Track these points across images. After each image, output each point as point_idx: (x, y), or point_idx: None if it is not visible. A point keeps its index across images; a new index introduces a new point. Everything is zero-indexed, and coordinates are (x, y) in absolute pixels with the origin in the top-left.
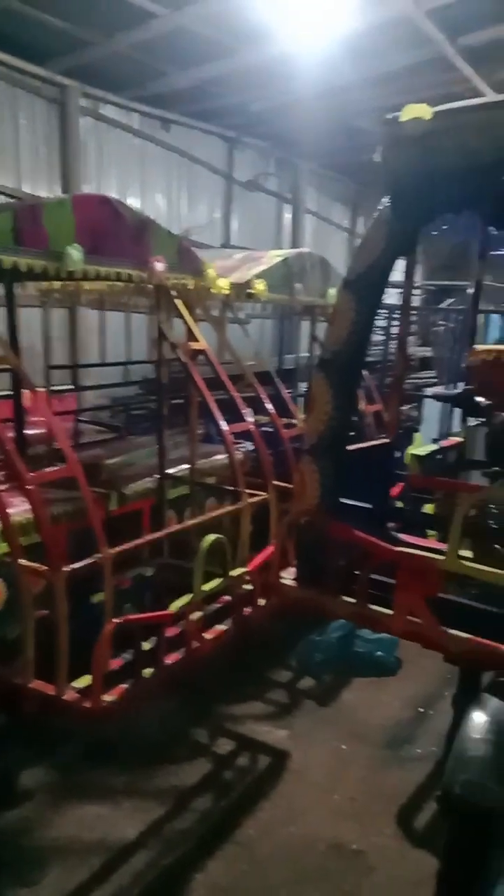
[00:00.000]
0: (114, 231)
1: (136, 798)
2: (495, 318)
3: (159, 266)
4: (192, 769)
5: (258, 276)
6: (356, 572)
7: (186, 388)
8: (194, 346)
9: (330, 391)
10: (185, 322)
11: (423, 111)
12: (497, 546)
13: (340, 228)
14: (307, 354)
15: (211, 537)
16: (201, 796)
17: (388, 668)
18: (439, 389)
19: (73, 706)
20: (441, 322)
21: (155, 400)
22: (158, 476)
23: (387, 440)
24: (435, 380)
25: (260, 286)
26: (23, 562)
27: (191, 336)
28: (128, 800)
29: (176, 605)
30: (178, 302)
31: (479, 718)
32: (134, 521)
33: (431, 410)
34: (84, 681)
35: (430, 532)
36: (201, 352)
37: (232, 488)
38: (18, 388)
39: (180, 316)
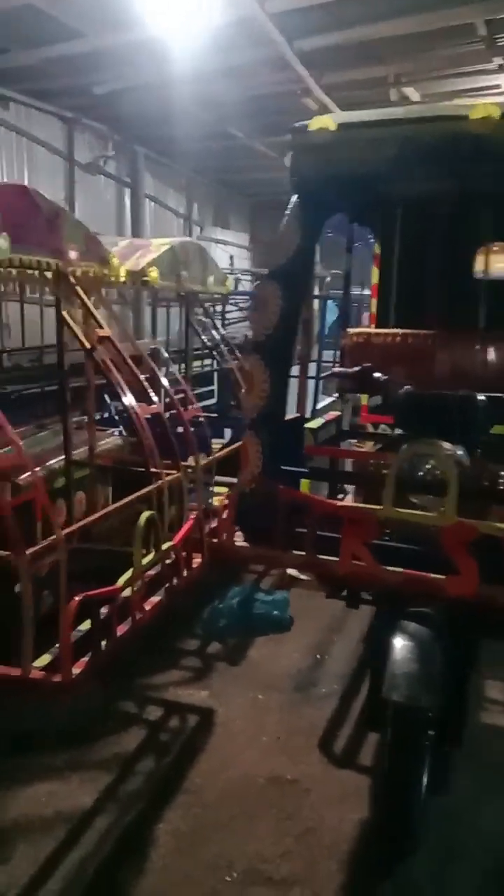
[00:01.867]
0: (32, 220)
1: (81, 771)
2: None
3: (73, 255)
4: (129, 737)
5: (150, 263)
6: (301, 529)
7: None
8: (100, 332)
9: (265, 371)
10: (88, 310)
11: (329, 122)
12: (411, 496)
13: (177, 214)
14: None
15: (146, 514)
16: (143, 759)
17: (283, 626)
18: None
19: (41, 683)
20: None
21: (29, 388)
22: (59, 462)
23: (298, 415)
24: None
25: (154, 274)
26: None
27: (94, 323)
28: (74, 773)
29: (122, 580)
30: (79, 290)
31: (404, 641)
32: (27, 510)
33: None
34: (44, 659)
35: None
36: (106, 338)
37: (142, 469)
38: None
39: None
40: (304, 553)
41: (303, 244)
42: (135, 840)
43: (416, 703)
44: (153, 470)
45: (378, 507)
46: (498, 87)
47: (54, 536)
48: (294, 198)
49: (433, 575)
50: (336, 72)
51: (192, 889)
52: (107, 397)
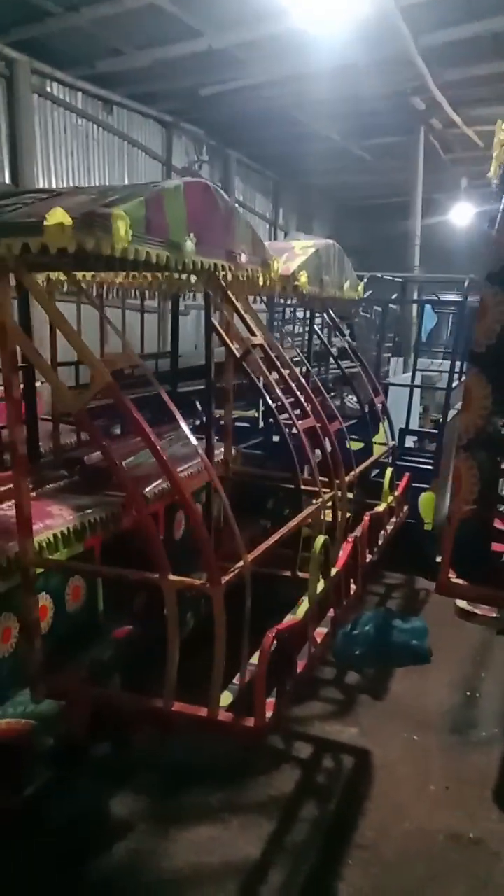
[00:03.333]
0: (212, 220)
1: (239, 814)
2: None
3: (244, 258)
4: (282, 777)
5: (300, 267)
6: None
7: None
8: (254, 340)
9: (487, 385)
10: (242, 317)
11: None
12: None
13: (264, 219)
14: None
15: (321, 538)
16: (303, 804)
17: (422, 656)
18: None
19: (231, 727)
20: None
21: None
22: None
23: None
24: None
25: (304, 278)
26: (174, 577)
27: (248, 330)
28: (232, 817)
29: (301, 611)
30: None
31: None
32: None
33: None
34: (227, 698)
35: None
36: (259, 345)
37: (292, 486)
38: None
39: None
40: None
41: None
42: None
43: None
44: (306, 488)
45: None
46: None
47: (241, 563)
48: None
49: None
50: (456, 68)
51: None
52: (198, 404)
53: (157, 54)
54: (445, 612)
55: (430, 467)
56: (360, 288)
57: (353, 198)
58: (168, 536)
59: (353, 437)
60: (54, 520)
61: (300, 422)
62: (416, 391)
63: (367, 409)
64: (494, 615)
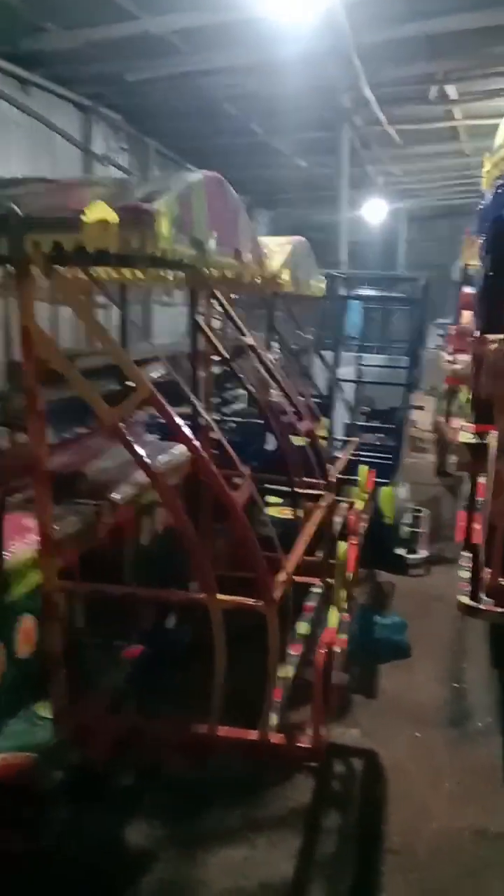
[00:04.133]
0: (226, 216)
1: (264, 831)
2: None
3: (249, 256)
4: (296, 787)
5: (283, 265)
6: None
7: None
8: (246, 340)
9: None
10: (231, 316)
11: None
12: None
13: None
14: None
15: (343, 545)
16: (325, 813)
17: (403, 651)
18: None
19: (286, 750)
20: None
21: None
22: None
23: None
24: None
25: (286, 276)
26: (223, 597)
27: (238, 329)
28: (258, 835)
29: (333, 621)
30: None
31: None
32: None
33: None
34: (271, 719)
35: None
36: (251, 346)
37: (289, 489)
38: None
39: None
40: None
41: None
42: None
43: None
44: (299, 491)
45: None
46: None
47: (283, 576)
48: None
49: None
50: (388, 67)
51: None
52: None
53: (88, 35)
54: (411, 605)
55: (389, 462)
56: (323, 285)
57: (260, 191)
58: (137, 543)
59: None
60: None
61: (300, 424)
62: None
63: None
64: (500, 610)
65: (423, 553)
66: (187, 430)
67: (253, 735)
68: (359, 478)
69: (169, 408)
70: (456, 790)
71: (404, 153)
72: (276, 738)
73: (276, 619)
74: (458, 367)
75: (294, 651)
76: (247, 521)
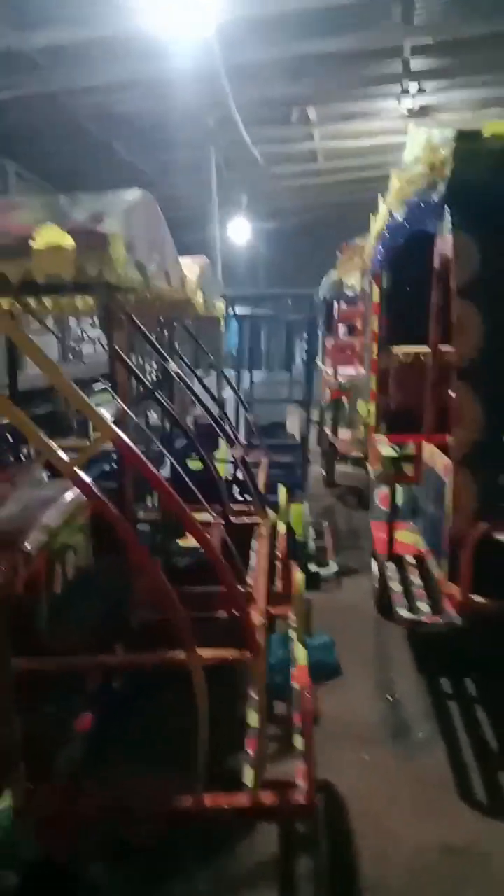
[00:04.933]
0: (157, 237)
1: (239, 889)
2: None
3: (176, 279)
4: (261, 836)
5: (195, 288)
6: None
7: None
8: (172, 368)
9: (476, 399)
10: (151, 342)
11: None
12: None
13: None
14: None
15: (300, 575)
16: (295, 858)
17: (335, 671)
18: None
19: (279, 809)
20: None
21: None
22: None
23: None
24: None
25: (199, 297)
26: (206, 652)
27: (160, 356)
28: (234, 894)
29: (302, 660)
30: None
31: None
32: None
33: None
34: (249, 775)
35: None
36: (177, 374)
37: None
38: None
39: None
40: None
41: (486, 258)
42: None
43: None
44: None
45: None
46: (395, 108)
47: (259, 619)
48: (448, 214)
49: None
50: (252, 88)
51: None
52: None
53: None
54: (331, 621)
55: (297, 480)
56: (222, 305)
57: None
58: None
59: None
60: None
61: (232, 451)
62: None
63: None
64: (440, 620)
65: (333, 567)
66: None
67: (243, 799)
68: (279, 499)
69: (137, 450)
70: (414, 807)
71: (266, 173)
72: (267, 798)
73: (263, 668)
74: (341, 380)
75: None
76: (221, 560)
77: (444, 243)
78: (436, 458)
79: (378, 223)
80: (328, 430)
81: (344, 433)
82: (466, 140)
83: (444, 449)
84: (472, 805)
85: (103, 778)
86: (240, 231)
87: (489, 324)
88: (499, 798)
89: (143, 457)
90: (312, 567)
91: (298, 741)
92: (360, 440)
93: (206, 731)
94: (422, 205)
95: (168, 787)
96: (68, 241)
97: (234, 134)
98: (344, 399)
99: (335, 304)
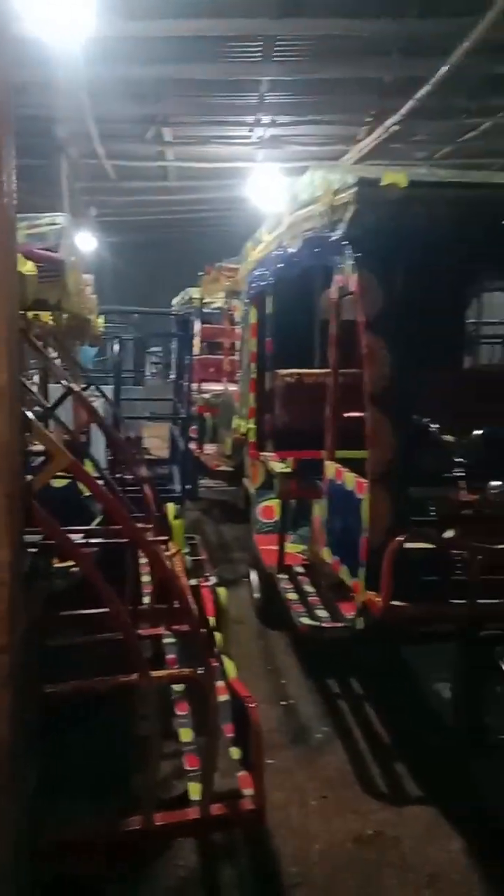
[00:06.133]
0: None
1: None
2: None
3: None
4: (181, 848)
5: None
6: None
7: None
8: (74, 387)
9: (389, 422)
10: (60, 358)
11: (401, 178)
12: None
13: None
14: None
15: (222, 590)
16: (218, 867)
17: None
18: None
19: (230, 818)
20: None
21: None
22: None
23: None
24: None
25: (96, 317)
26: (157, 673)
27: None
28: None
29: (232, 672)
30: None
31: None
32: None
33: None
34: (195, 791)
35: None
36: (77, 394)
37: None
38: None
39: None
40: (464, 602)
41: (388, 294)
42: None
43: None
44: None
45: None
46: (247, 136)
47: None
48: (350, 253)
49: None
50: (111, 103)
51: None
52: None
53: None
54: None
55: (177, 495)
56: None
57: None
58: None
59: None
60: None
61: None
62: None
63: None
64: (340, 625)
65: (213, 580)
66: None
67: (193, 813)
68: (169, 515)
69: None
70: (323, 805)
71: (117, 187)
72: (217, 809)
73: (213, 684)
74: (206, 396)
75: (180, 711)
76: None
77: (344, 278)
78: (345, 477)
79: (258, 252)
80: (192, 445)
81: (210, 448)
82: (367, 186)
83: (346, 465)
84: (376, 796)
85: (47, 812)
86: (87, 244)
87: (395, 354)
88: (398, 786)
89: (96, 483)
90: (192, 581)
91: (236, 752)
92: (227, 455)
93: (159, 752)
94: (320, 242)
95: (115, 814)
96: (29, 268)
97: (86, 146)
98: (208, 415)
99: (193, 322)
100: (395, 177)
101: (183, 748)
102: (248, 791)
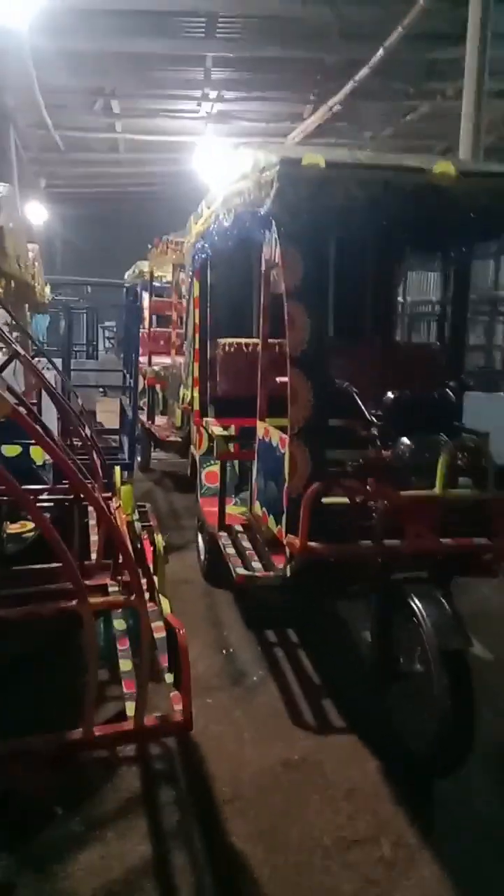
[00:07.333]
0: (20, 227)
1: (109, 825)
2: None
3: (33, 266)
4: (123, 776)
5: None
6: (363, 521)
7: None
8: (19, 350)
9: (307, 382)
10: (8, 325)
11: (319, 159)
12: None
13: None
14: None
15: (160, 537)
16: (158, 791)
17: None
18: None
19: (161, 729)
20: None
21: None
22: None
23: None
24: None
25: (40, 284)
26: (95, 599)
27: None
28: (105, 831)
29: (167, 608)
30: None
31: (430, 603)
32: None
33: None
34: (131, 709)
35: None
36: (22, 356)
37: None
38: None
39: None
40: (371, 542)
41: (308, 266)
42: (233, 866)
43: (468, 646)
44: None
45: (433, 491)
46: (195, 111)
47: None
48: (274, 227)
49: (479, 539)
50: (60, 76)
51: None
52: None
53: None
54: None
55: (127, 462)
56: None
57: None
58: None
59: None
60: None
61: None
62: None
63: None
64: (272, 574)
65: (161, 544)
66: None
67: (129, 725)
68: (115, 479)
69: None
70: (256, 736)
71: (66, 158)
72: (150, 720)
73: (146, 609)
74: (156, 368)
75: (121, 645)
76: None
77: (271, 251)
78: (272, 434)
79: (199, 225)
80: (143, 418)
81: (160, 420)
82: (288, 166)
83: (277, 427)
84: (304, 727)
85: None
86: (37, 215)
87: (313, 320)
88: (324, 718)
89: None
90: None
91: (169, 678)
92: (177, 426)
93: (96, 670)
94: (250, 216)
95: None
96: None
97: (34, 116)
98: (158, 387)
99: (143, 295)
100: (314, 157)
101: (122, 675)
102: (178, 707)
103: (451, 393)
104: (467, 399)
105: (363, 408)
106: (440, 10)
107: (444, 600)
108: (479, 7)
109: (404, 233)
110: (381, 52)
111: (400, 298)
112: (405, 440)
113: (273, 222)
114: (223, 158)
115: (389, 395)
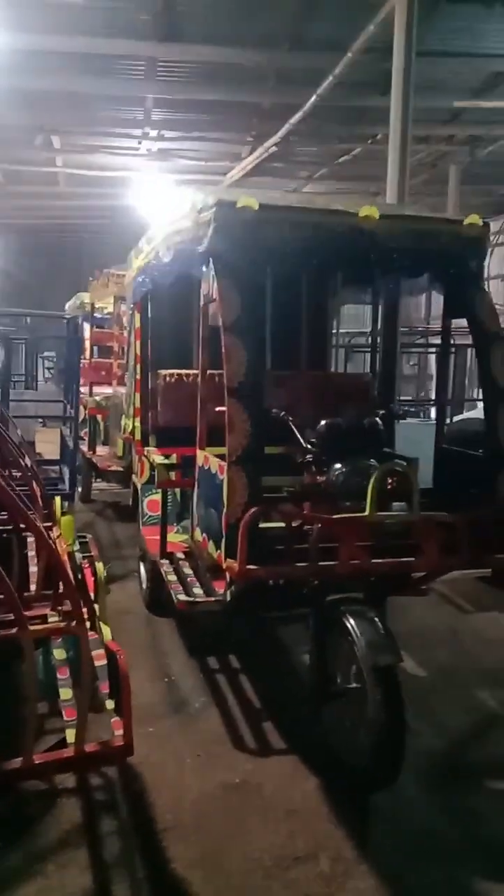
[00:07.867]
0: None
1: (49, 857)
2: None
3: None
4: (64, 808)
5: None
6: (299, 544)
7: None
8: None
9: (244, 412)
10: None
11: (253, 202)
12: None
13: None
14: None
15: (101, 566)
16: (97, 821)
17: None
18: None
19: (102, 754)
20: None
21: None
22: None
23: None
24: None
25: None
26: (36, 626)
27: None
28: (45, 863)
29: (108, 635)
30: None
31: (364, 621)
32: None
33: None
34: (72, 736)
35: None
36: None
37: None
38: None
39: None
40: (307, 564)
41: (242, 299)
42: (174, 893)
43: (398, 661)
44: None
45: (364, 514)
46: (136, 148)
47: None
48: (212, 265)
49: (407, 559)
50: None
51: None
52: None
53: None
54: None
55: (68, 492)
56: None
57: None
58: None
59: None
60: None
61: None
62: None
63: None
64: (213, 599)
65: (102, 573)
66: None
67: (69, 752)
68: (56, 509)
69: None
70: (197, 762)
71: (6, 191)
72: (91, 747)
73: (87, 635)
74: (98, 398)
75: (62, 675)
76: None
77: (209, 286)
78: (211, 461)
79: (140, 260)
80: (84, 448)
81: (101, 450)
82: (224, 208)
83: (216, 455)
84: (244, 751)
85: None
86: None
87: (249, 352)
88: (264, 741)
89: None
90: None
91: (110, 704)
92: (119, 456)
93: (35, 699)
94: (189, 253)
95: None
96: None
97: None
98: (99, 417)
99: (84, 326)
100: (248, 200)
101: (62, 704)
102: (119, 732)
103: (381, 421)
104: (399, 426)
105: (299, 435)
106: (368, 61)
107: (376, 618)
108: (402, 59)
109: (336, 270)
110: (314, 98)
111: (336, 330)
112: (338, 466)
113: (210, 260)
114: (163, 195)
115: (323, 423)
